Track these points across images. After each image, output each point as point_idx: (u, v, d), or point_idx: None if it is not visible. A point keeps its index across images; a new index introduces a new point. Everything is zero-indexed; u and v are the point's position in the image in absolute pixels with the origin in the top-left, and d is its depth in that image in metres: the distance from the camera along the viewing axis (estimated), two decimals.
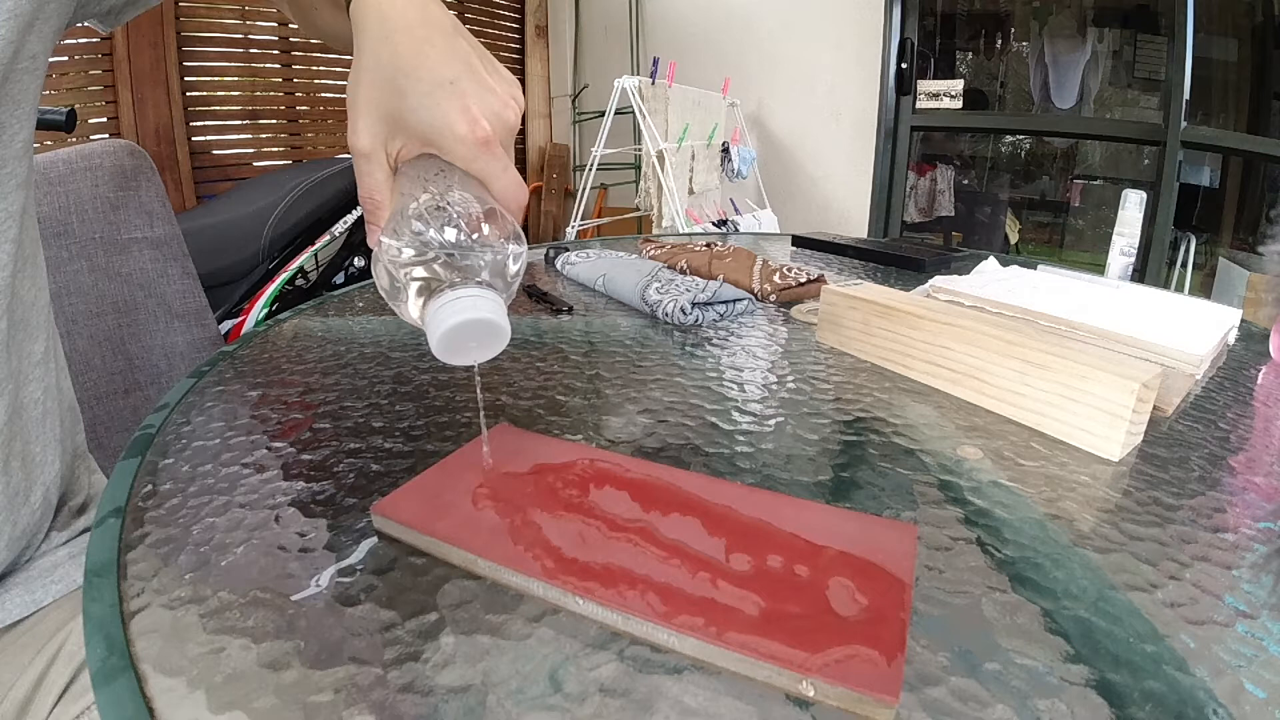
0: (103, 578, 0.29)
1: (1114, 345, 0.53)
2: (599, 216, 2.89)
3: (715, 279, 0.70)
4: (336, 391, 0.48)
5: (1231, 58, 2.32)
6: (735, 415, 0.45)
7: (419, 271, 0.33)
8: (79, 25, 0.47)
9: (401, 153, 0.37)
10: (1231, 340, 0.62)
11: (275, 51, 2.31)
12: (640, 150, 2.26)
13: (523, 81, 3.24)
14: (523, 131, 3.28)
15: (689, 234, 1.56)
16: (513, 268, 0.34)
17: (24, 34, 0.37)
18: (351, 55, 0.38)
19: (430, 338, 0.31)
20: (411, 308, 0.33)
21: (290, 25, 2.26)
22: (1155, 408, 0.45)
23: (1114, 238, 0.91)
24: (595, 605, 0.26)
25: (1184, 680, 0.24)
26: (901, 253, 0.92)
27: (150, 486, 0.36)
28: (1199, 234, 2.44)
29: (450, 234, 0.33)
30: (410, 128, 0.36)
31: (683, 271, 0.78)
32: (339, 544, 0.31)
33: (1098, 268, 1.00)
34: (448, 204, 0.34)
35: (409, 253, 0.33)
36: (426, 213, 0.33)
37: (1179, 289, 2.35)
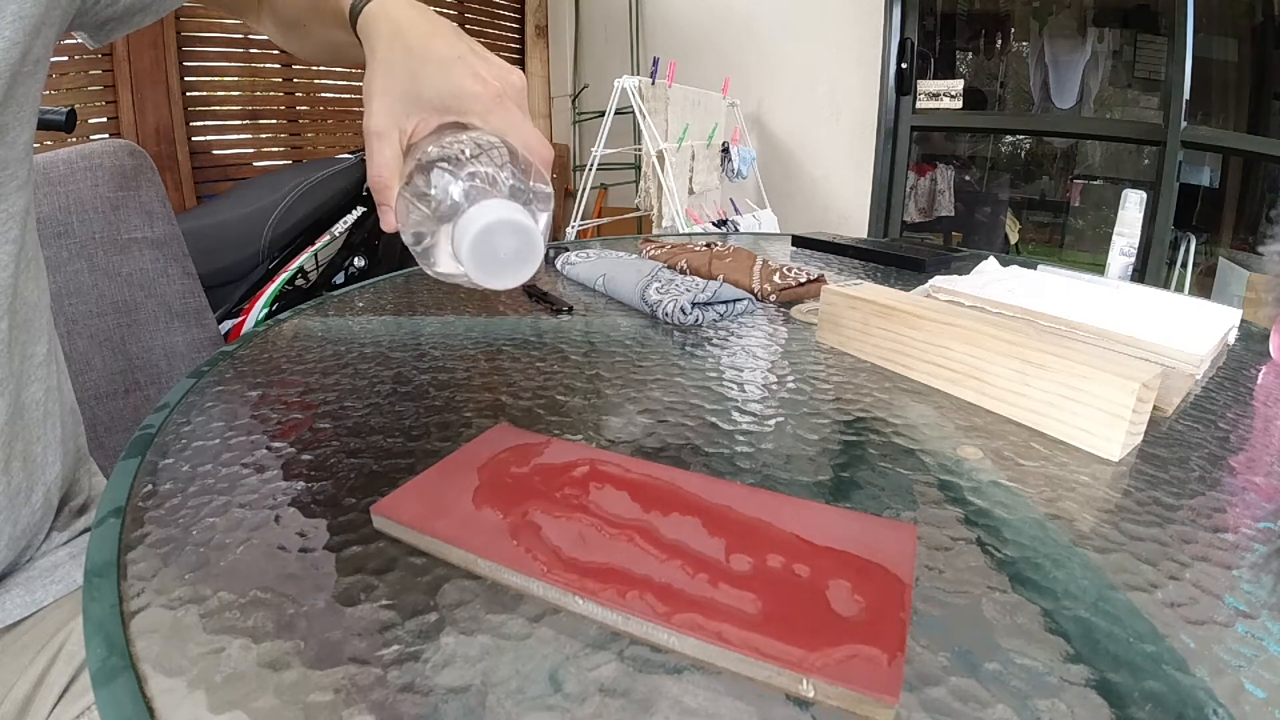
0: (103, 578, 0.29)
1: (1114, 345, 0.53)
2: (599, 216, 2.88)
3: (715, 279, 0.70)
4: (336, 391, 0.48)
5: (1231, 58, 2.31)
6: (735, 415, 0.45)
7: (446, 201, 0.33)
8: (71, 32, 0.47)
9: (417, 129, 0.39)
10: (1231, 340, 0.62)
11: (275, 51, 2.30)
12: (640, 150, 2.26)
13: None
14: None
15: (689, 234, 1.56)
16: (542, 209, 0.35)
17: (32, 38, 0.38)
18: (342, 66, 0.41)
19: (461, 248, 0.31)
20: (442, 240, 0.33)
21: None
22: (1155, 408, 0.45)
23: (1114, 238, 0.91)
24: (595, 605, 0.26)
25: (1184, 680, 0.24)
26: (901, 253, 0.92)
27: (150, 486, 0.36)
28: (1199, 234, 2.44)
29: (476, 164, 0.34)
30: (427, 100, 0.39)
31: (683, 271, 0.78)
32: (339, 544, 0.31)
33: (1098, 268, 1.00)
34: (473, 139, 0.35)
35: (437, 182, 0.34)
36: (453, 144, 0.35)
37: (1179, 289, 2.35)
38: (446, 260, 0.34)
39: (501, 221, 0.31)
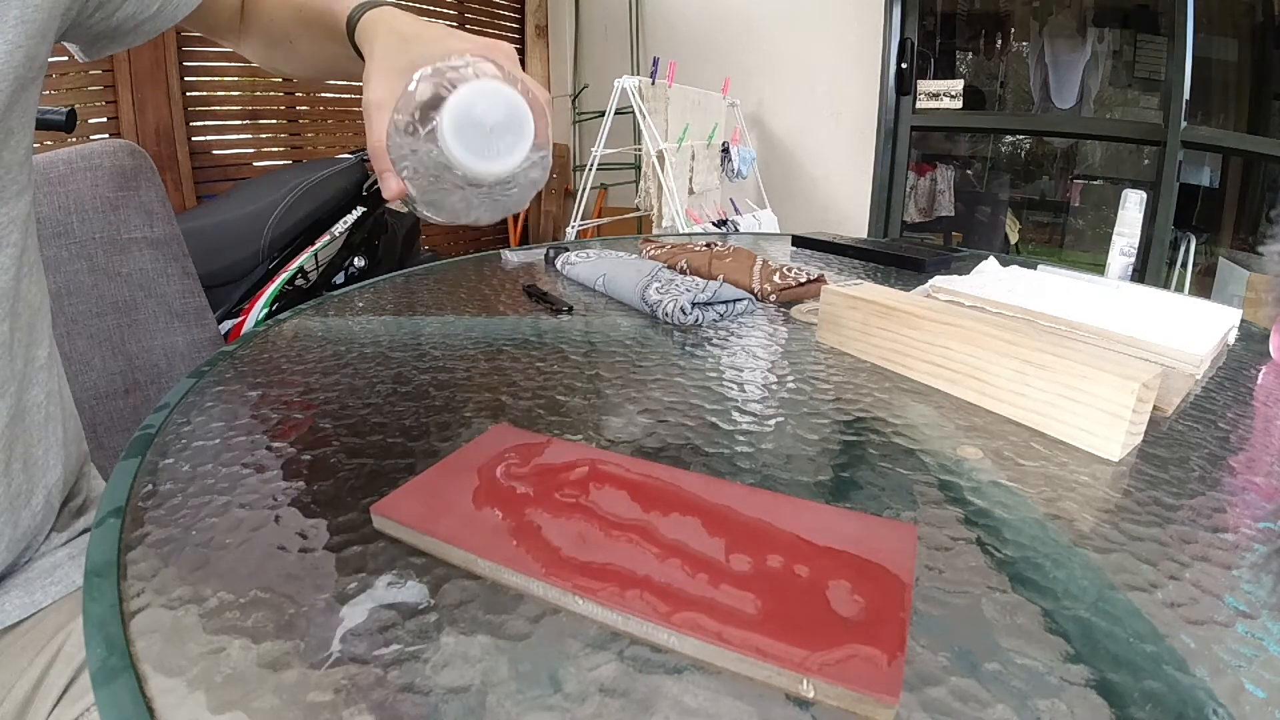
0: (103, 578, 0.29)
1: (1114, 345, 0.53)
2: (599, 216, 2.88)
3: (715, 279, 0.70)
4: (336, 391, 0.48)
5: (1231, 58, 2.31)
6: (735, 415, 0.45)
7: (432, 109, 0.32)
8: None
9: None
10: (1231, 340, 0.62)
11: None
12: (640, 150, 2.26)
13: None
14: None
15: (689, 234, 1.56)
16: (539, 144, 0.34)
17: (38, 42, 0.38)
18: (328, 79, 0.43)
19: (445, 132, 0.31)
20: (435, 163, 0.33)
21: None
22: (1155, 408, 0.45)
23: (1114, 238, 0.91)
24: (595, 605, 0.26)
25: (1184, 680, 0.24)
26: (901, 253, 0.92)
27: (150, 486, 0.36)
28: (1199, 234, 2.44)
29: (460, 69, 0.33)
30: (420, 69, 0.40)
31: (683, 271, 0.78)
32: (339, 544, 0.31)
33: (1098, 268, 1.00)
34: (460, 59, 0.35)
35: (421, 96, 0.33)
36: (440, 66, 0.34)
37: (1179, 289, 2.35)
38: (446, 190, 0.33)
39: (481, 87, 0.31)
